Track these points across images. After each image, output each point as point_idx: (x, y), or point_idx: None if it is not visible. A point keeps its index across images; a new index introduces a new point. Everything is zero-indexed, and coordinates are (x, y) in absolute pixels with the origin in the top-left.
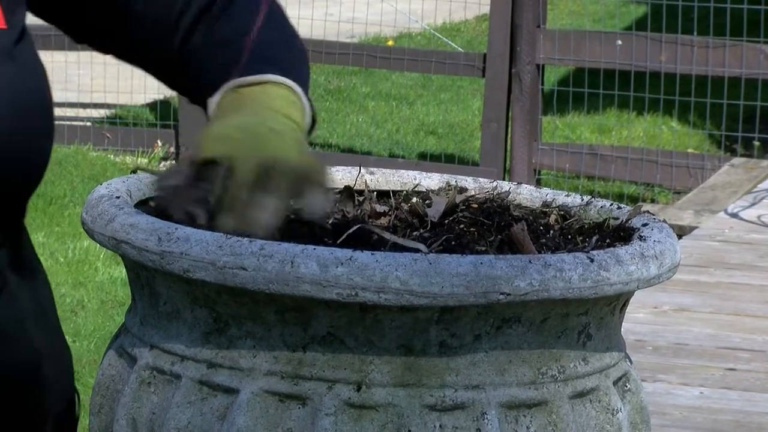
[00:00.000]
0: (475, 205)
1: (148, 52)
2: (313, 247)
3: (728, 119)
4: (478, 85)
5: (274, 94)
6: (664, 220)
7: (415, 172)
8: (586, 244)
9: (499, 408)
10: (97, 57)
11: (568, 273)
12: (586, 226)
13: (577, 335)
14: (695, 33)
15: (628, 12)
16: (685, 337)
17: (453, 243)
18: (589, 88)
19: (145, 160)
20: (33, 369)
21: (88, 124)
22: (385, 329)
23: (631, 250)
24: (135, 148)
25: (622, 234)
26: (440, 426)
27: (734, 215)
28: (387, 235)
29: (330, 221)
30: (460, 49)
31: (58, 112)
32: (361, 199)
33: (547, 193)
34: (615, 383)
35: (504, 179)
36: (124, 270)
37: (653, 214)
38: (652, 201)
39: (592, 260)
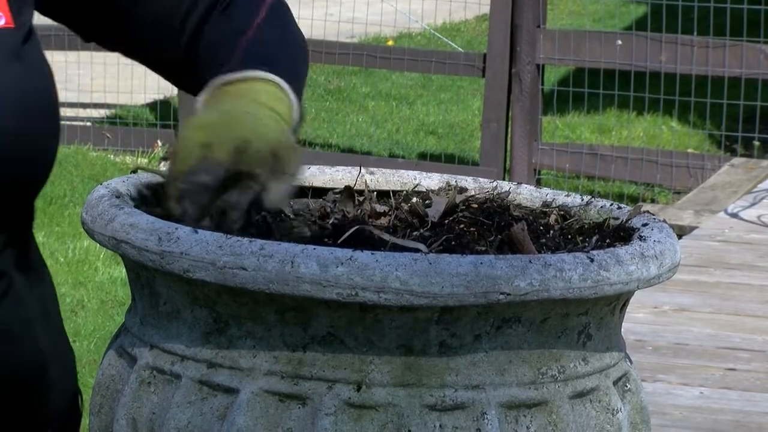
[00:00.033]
0: (475, 205)
1: (150, 51)
2: (314, 247)
3: (728, 119)
4: (478, 85)
5: (260, 89)
6: (664, 220)
7: (415, 172)
8: (586, 244)
9: (499, 408)
10: (97, 57)
11: (568, 273)
12: (586, 226)
13: (577, 335)
14: (695, 33)
15: (628, 12)
16: (685, 337)
17: (453, 243)
18: (589, 88)
19: (145, 160)
20: (38, 369)
21: (88, 124)
22: (385, 329)
23: (631, 250)
24: (135, 148)
25: (622, 234)
26: (440, 426)
27: (734, 215)
28: (386, 236)
29: (330, 221)
30: (460, 49)
31: None
32: (361, 199)
33: (547, 193)
34: (615, 383)
35: (504, 179)
36: (124, 270)
37: (653, 214)
38: (652, 201)
39: (592, 260)
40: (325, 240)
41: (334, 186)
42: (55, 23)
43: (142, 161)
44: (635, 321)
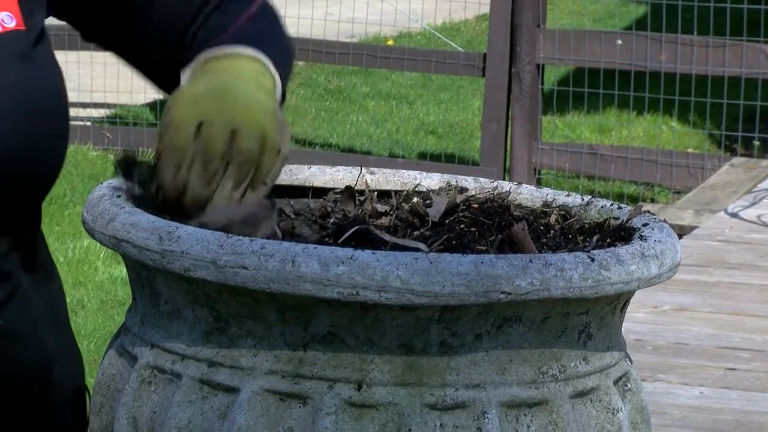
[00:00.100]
0: (476, 205)
1: (153, 51)
2: (314, 246)
3: (728, 119)
4: (478, 85)
5: (245, 65)
6: (665, 220)
7: (416, 172)
8: (587, 244)
9: (499, 407)
10: (97, 57)
11: (569, 272)
12: (586, 226)
13: (577, 335)
14: (695, 33)
15: (628, 12)
16: (685, 337)
17: (454, 242)
18: (589, 88)
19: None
20: (43, 369)
21: (88, 123)
22: (386, 328)
23: (632, 249)
24: (135, 148)
25: (623, 234)
26: (441, 425)
27: (734, 215)
28: (387, 237)
29: (331, 221)
30: (460, 48)
31: None
32: (362, 199)
33: (547, 193)
34: (615, 383)
35: (504, 179)
36: (124, 269)
37: (654, 214)
38: (652, 201)
39: (592, 260)
40: (326, 240)
41: (334, 186)
42: (54, 23)
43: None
44: (635, 321)
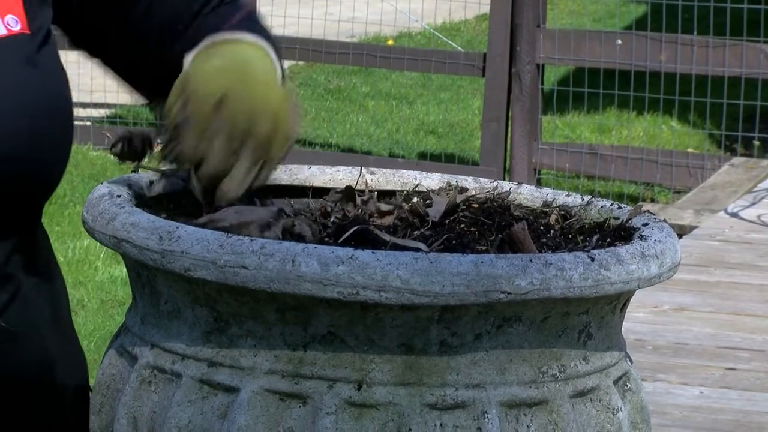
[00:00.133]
0: (476, 205)
1: (147, 54)
2: (314, 245)
3: (728, 119)
4: (478, 85)
5: (248, 50)
6: (665, 220)
7: (416, 172)
8: (587, 244)
9: (499, 407)
10: None
11: (569, 272)
12: (586, 226)
13: (577, 334)
14: (695, 33)
15: (628, 11)
16: (685, 337)
17: (454, 242)
18: (589, 88)
19: (145, 160)
20: (46, 370)
21: (88, 123)
22: (386, 328)
23: (632, 249)
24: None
25: (623, 233)
26: (441, 425)
27: (734, 215)
28: (387, 237)
29: (331, 221)
30: (460, 48)
31: None
32: (364, 198)
33: (547, 193)
34: (615, 382)
35: (504, 179)
36: (124, 269)
37: (654, 214)
38: (652, 201)
39: (592, 259)
40: (326, 239)
41: (334, 186)
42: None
43: (142, 161)
44: (635, 320)
